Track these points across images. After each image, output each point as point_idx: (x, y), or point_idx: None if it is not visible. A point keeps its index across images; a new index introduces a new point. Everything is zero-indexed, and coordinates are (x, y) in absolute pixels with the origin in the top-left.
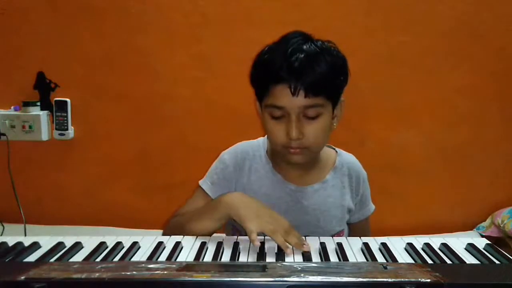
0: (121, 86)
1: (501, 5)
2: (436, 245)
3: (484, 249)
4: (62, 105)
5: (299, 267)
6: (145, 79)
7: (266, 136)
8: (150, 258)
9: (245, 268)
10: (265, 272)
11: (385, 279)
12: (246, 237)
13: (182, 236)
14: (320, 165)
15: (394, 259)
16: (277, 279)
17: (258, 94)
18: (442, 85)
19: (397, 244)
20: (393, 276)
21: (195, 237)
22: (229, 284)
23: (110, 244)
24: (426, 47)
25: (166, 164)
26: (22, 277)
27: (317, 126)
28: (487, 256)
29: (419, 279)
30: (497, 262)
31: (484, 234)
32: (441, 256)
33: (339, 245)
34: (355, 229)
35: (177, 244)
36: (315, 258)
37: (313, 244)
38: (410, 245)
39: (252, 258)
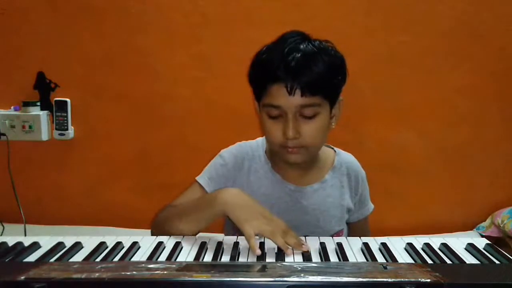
0: (121, 86)
1: (501, 5)
2: (436, 245)
3: (484, 249)
4: (62, 105)
5: (299, 267)
6: (145, 79)
7: (264, 136)
8: (150, 258)
9: (245, 268)
10: (265, 272)
11: (385, 279)
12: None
13: (182, 236)
14: (319, 165)
15: (394, 259)
16: (277, 279)
17: (255, 94)
18: (442, 85)
19: (397, 244)
20: (393, 276)
21: (195, 237)
22: (229, 284)
23: (110, 244)
24: (426, 47)
25: (166, 164)
26: (22, 277)
27: (314, 125)
28: (487, 256)
29: (419, 279)
30: (497, 262)
31: (484, 234)
32: (441, 256)
33: (339, 245)
34: (354, 229)
35: (177, 244)
36: (315, 258)
37: (313, 244)
38: (410, 245)
39: (252, 258)
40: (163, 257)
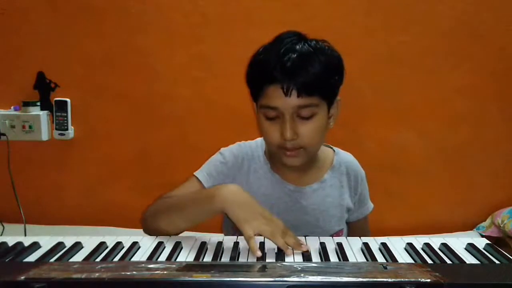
0: (121, 86)
1: (501, 5)
2: (436, 245)
3: (484, 249)
4: (62, 105)
5: (299, 267)
6: (145, 79)
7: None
8: (150, 258)
9: (245, 268)
10: (265, 272)
11: (385, 279)
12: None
13: (182, 236)
14: (318, 164)
15: (394, 259)
16: (277, 279)
17: (253, 95)
18: (442, 85)
19: (397, 244)
20: (393, 276)
21: (195, 237)
22: (229, 284)
23: (110, 244)
24: (426, 47)
25: (166, 164)
26: (22, 277)
27: (312, 126)
28: (487, 256)
29: (419, 279)
30: (497, 262)
31: (484, 234)
32: (441, 256)
33: (339, 245)
34: (354, 228)
35: (177, 244)
36: (315, 258)
37: (313, 244)
38: (410, 245)
39: (252, 258)
40: (163, 257)
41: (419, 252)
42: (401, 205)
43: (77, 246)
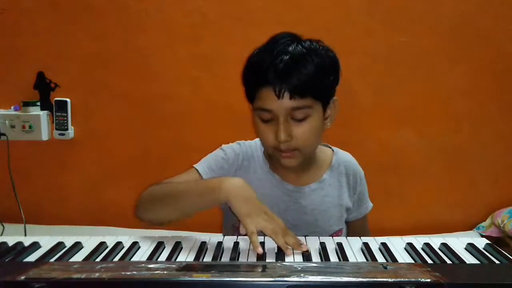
0: (121, 86)
1: (501, 5)
2: (436, 245)
3: (484, 249)
4: (62, 105)
5: (299, 267)
6: (145, 79)
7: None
8: (150, 258)
9: (245, 268)
10: (265, 272)
11: (385, 279)
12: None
13: (182, 236)
14: (317, 164)
15: (394, 259)
16: (277, 279)
17: (248, 97)
18: (442, 85)
19: (397, 244)
20: (393, 276)
21: (195, 237)
22: (229, 284)
23: (110, 244)
24: (426, 47)
25: (166, 164)
26: (22, 277)
27: (306, 127)
28: (487, 256)
29: (419, 279)
30: (497, 262)
31: (484, 234)
32: (441, 256)
33: (339, 245)
34: (353, 228)
35: (177, 244)
36: (315, 258)
37: (313, 244)
38: (410, 245)
39: (252, 258)
40: (163, 257)
41: (419, 252)
42: (401, 205)
43: (77, 246)
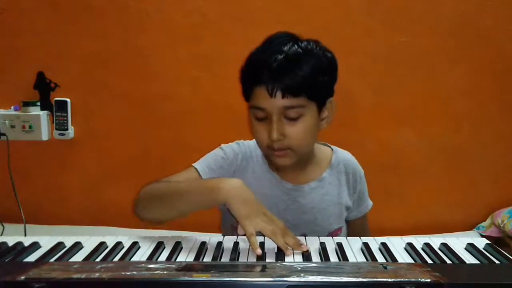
0: (121, 86)
1: (501, 5)
2: (436, 245)
3: (484, 249)
4: (62, 105)
5: (299, 267)
6: (145, 79)
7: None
8: (150, 258)
9: (245, 268)
10: (265, 272)
11: (385, 279)
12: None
13: (182, 236)
14: (316, 163)
15: (394, 259)
16: (277, 279)
17: (244, 95)
18: (442, 85)
19: (397, 244)
20: (393, 276)
21: (195, 237)
22: (229, 284)
23: (110, 244)
24: (426, 47)
25: (166, 164)
26: (22, 277)
27: (299, 127)
28: (487, 256)
29: (419, 279)
30: (497, 262)
31: (484, 234)
32: (441, 256)
33: (339, 245)
34: (354, 227)
35: (177, 244)
36: (315, 258)
37: (313, 244)
38: (410, 245)
39: (252, 258)
40: (163, 257)
41: (419, 252)
42: (401, 205)
43: (77, 246)
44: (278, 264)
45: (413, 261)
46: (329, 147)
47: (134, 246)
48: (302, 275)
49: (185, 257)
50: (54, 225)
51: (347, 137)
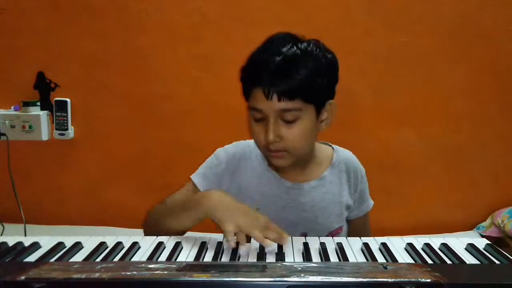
0: (121, 86)
1: (501, 5)
2: (436, 245)
3: (484, 249)
4: (62, 105)
5: (299, 267)
6: (145, 79)
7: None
8: (150, 258)
9: (245, 268)
10: (265, 272)
11: (385, 279)
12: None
13: (182, 236)
14: (317, 162)
15: (394, 259)
16: (277, 279)
17: (244, 95)
18: (442, 85)
19: (397, 244)
20: (393, 276)
21: (195, 237)
22: (229, 284)
23: (110, 244)
24: (426, 47)
25: (166, 164)
26: (22, 277)
27: (295, 129)
28: (487, 256)
29: (419, 279)
30: (497, 262)
31: (484, 234)
32: (441, 256)
33: (339, 245)
34: (354, 226)
35: (177, 244)
36: (315, 258)
37: (313, 244)
38: (410, 245)
39: (252, 258)
40: (163, 257)
41: (419, 252)
42: (401, 205)
43: (77, 246)
44: (278, 264)
45: (413, 261)
46: (330, 146)
47: (134, 246)
48: (302, 275)
49: (185, 257)
50: (54, 225)
51: (347, 137)
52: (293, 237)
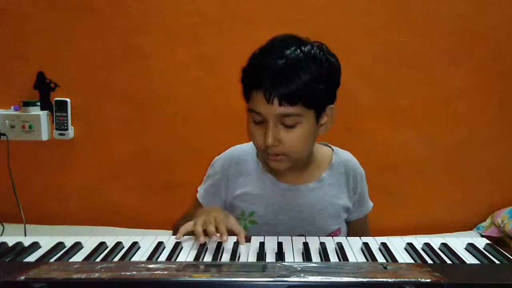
0: (121, 86)
1: (501, 5)
2: (436, 245)
3: (484, 249)
4: (62, 105)
5: (299, 267)
6: (145, 79)
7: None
8: (150, 258)
9: (245, 268)
10: (265, 272)
11: (385, 279)
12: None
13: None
14: (315, 163)
15: (394, 259)
16: (277, 279)
17: (244, 96)
18: (442, 85)
19: (397, 244)
20: (393, 276)
21: (195, 237)
22: (229, 284)
23: (110, 244)
24: (426, 47)
25: (166, 164)
26: (22, 277)
27: (295, 134)
28: (487, 256)
29: (419, 279)
30: (497, 262)
31: (484, 234)
32: (441, 256)
33: (339, 245)
34: (354, 228)
35: (177, 244)
36: (315, 258)
37: (313, 244)
38: (410, 245)
39: (252, 258)
40: (163, 257)
41: (419, 252)
42: (401, 205)
43: (77, 246)
44: (278, 264)
45: (413, 261)
46: (330, 147)
47: (134, 246)
48: (302, 275)
49: (185, 257)
50: (54, 225)
51: (347, 137)
52: (293, 237)
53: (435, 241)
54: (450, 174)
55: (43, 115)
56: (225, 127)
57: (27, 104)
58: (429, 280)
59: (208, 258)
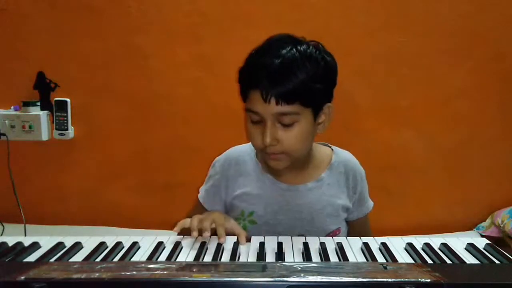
0: (121, 86)
1: (501, 5)
2: (436, 245)
3: (484, 249)
4: (62, 105)
5: (299, 267)
6: (145, 79)
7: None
8: (150, 258)
9: (245, 268)
10: (265, 272)
11: (385, 279)
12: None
13: (182, 236)
14: (315, 163)
15: (394, 259)
16: (277, 279)
17: (241, 96)
18: (442, 85)
19: (397, 244)
20: (393, 276)
21: (195, 237)
22: (229, 284)
23: (110, 244)
24: (426, 47)
25: (166, 164)
26: (22, 277)
27: (293, 133)
28: (487, 256)
29: (419, 279)
30: (497, 262)
31: (484, 234)
32: (441, 256)
33: (339, 245)
34: (355, 227)
35: (177, 244)
36: (315, 258)
37: (313, 244)
38: (410, 245)
39: (252, 258)
40: (163, 257)
41: (419, 252)
42: (401, 205)
43: (77, 246)
44: (278, 264)
45: (413, 261)
46: (330, 147)
47: (134, 246)
48: (302, 275)
49: (185, 257)
50: (54, 225)
51: (346, 136)
52: (293, 237)
53: (435, 241)
54: (450, 174)
55: (43, 115)
56: (225, 127)
57: (27, 104)
58: (429, 280)
59: (208, 258)
